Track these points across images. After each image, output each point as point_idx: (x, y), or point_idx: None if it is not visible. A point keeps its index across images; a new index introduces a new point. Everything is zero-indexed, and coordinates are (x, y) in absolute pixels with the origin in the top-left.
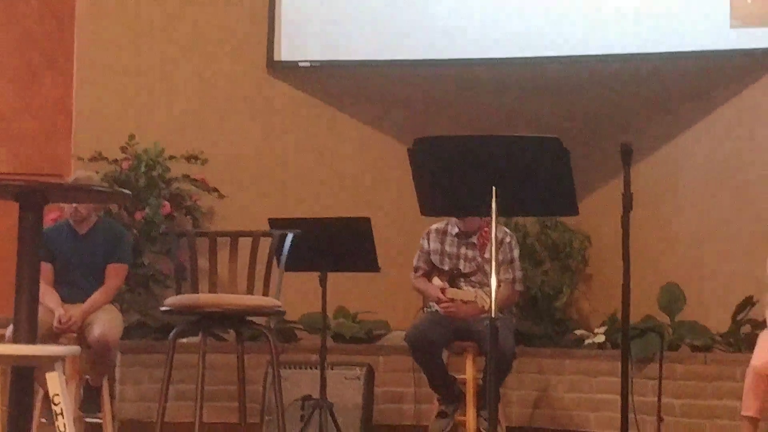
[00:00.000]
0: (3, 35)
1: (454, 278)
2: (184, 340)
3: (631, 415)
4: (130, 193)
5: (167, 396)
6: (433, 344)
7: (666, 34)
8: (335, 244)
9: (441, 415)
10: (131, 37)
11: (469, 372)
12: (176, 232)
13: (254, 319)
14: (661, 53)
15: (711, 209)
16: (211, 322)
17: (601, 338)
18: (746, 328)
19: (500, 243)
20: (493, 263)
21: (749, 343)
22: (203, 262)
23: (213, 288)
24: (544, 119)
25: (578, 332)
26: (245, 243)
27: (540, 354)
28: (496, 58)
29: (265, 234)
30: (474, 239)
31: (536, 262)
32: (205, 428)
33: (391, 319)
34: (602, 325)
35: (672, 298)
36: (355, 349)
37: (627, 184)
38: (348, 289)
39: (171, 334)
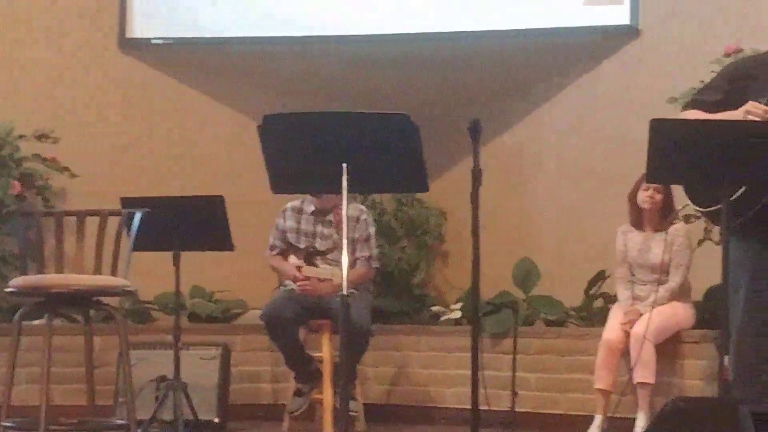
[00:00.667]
0: None
1: (310, 256)
2: (37, 321)
3: (483, 390)
4: None
5: (13, 379)
6: (289, 322)
7: (519, 11)
8: (188, 223)
9: (297, 393)
10: None
11: (325, 350)
12: (22, 211)
13: (106, 299)
14: (514, 30)
15: (564, 185)
16: (57, 303)
17: (457, 314)
18: (599, 302)
19: (356, 221)
20: (345, 240)
21: (602, 317)
22: (52, 243)
23: (60, 269)
24: (398, 96)
25: (435, 309)
26: (95, 222)
27: (397, 331)
28: (348, 35)
29: (113, 213)
30: (330, 217)
31: (393, 239)
32: (56, 411)
33: (248, 298)
34: (458, 301)
35: (526, 273)
36: (211, 328)
37: (476, 160)
38: (205, 268)
39: (15, 315)
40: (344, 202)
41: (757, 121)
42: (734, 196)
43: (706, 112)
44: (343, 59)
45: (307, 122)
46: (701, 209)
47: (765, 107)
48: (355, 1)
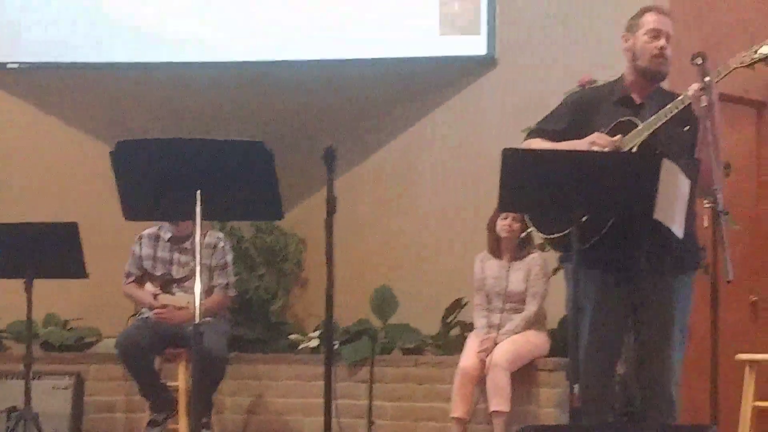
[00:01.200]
0: None
1: (166, 284)
2: None
3: (336, 420)
4: None
5: None
6: (145, 351)
7: (377, 40)
8: (40, 250)
9: (152, 423)
10: None
11: (181, 379)
12: None
13: None
14: (372, 59)
15: (422, 213)
16: None
17: (315, 342)
18: (456, 331)
19: (213, 248)
20: (198, 267)
21: (459, 346)
22: None
23: None
24: (256, 123)
25: (293, 337)
26: None
27: (254, 359)
28: (206, 62)
29: None
30: (187, 244)
31: (251, 267)
32: None
33: (103, 327)
34: (316, 329)
35: (384, 301)
36: (64, 357)
37: (331, 188)
38: (59, 296)
39: None
40: (197, 230)
41: (602, 152)
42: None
43: (550, 140)
44: (201, 85)
45: (160, 149)
46: (545, 236)
47: (610, 138)
48: (212, 28)
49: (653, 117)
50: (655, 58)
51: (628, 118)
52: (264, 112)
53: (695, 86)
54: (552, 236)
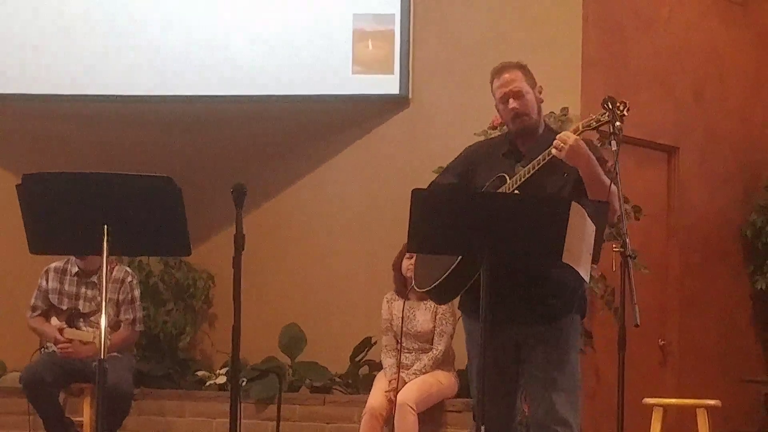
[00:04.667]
0: None
1: (73, 318)
2: None
3: None
4: None
5: None
6: (49, 385)
7: (291, 77)
8: None
9: None
10: None
11: (86, 414)
12: None
13: None
14: (284, 95)
15: (332, 251)
16: None
17: (222, 379)
18: (365, 369)
19: (121, 282)
20: (104, 303)
21: (367, 385)
22: None
23: None
24: (165, 158)
25: (200, 373)
26: None
27: (161, 395)
28: (116, 95)
29: None
30: (95, 278)
31: (159, 302)
32: None
33: (7, 360)
34: (224, 366)
35: (293, 338)
36: None
37: (239, 224)
38: None
39: None
40: (104, 264)
41: (512, 194)
42: (446, 275)
43: None
44: (111, 119)
45: (68, 182)
46: (421, 290)
47: None
48: (123, 62)
49: (523, 170)
50: (513, 120)
51: (502, 173)
52: (173, 147)
53: (559, 137)
54: (427, 288)
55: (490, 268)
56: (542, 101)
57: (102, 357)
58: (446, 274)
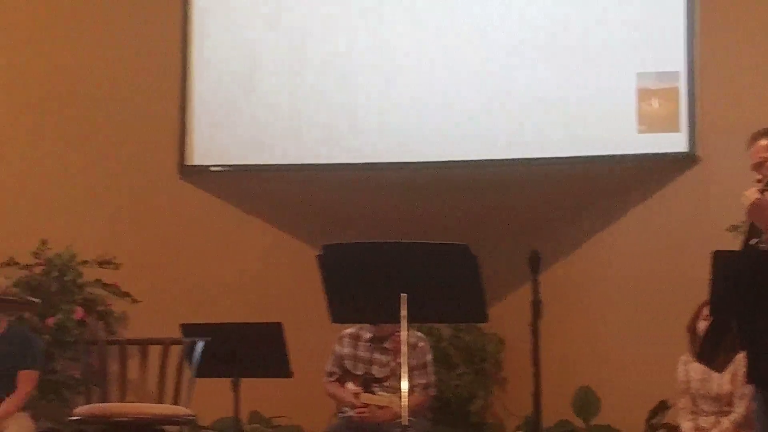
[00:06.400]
0: None
1: (367, 383)
2: None
3: None
4: (39, 301)
5: None
6: None
7: (574, 138)
8: (247, 350)
9: None
10: (39, 140)
11: None
12: (87, 340)
13: (166, 427)
14: (568, 157)
15: (625, 313)
16: (120, 431)
17: None
18: None
19: (413, 348)
20: (404, 369)
21: None
22: (113, 368)
23: (123, 396)
24: (456, 224)
25: None
26: (156, 349)
27: None
28: (405, 162)
29: (175, 342)
30: (387, 344)
31: (450, 366)
32: None
33: (305, 424)
34: (517, 429)
35: (586, 401)
36: None
37: (536, 291)
38: (263, 393)
39: None
40: (403, 333)
41: None
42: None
43: None
44: (402, 187)
45: (366, 252)
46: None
47: None
48: (410, 130)
49: None
50: None
51: None
52: (462, 212)
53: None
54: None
55: None
56: None
57: (405, 423)
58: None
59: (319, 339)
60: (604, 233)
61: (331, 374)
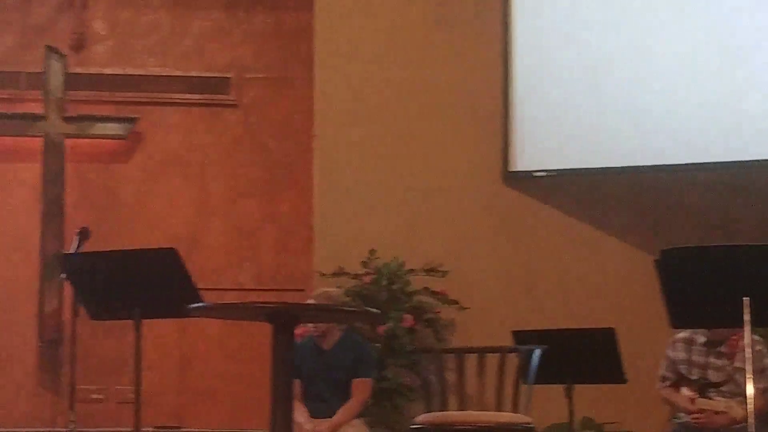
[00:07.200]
0: (244, 150)
1: (703, 388)
2: None
3: None
4: (379, 312)
5: None
6: None
7: None
8: (580, 356)
9: None
10: (368, 151)
11: None
12: (423, 348)
13: None
14: None
15: None
16: None
17: None
18: None
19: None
20: (749, 374)
21: None
22: (449, 376)
23: (462, 405)
24: None
25: None
26: (490, 356)
27: None
28: (741, 161)
29: (512, 350)
30: (723, 348)
31: None
32: None
33: (638, 430)
34: None
35: None
36: None
37: None
38: (594, 399)
39: None
40: (746, 337)
41: None
42: None
43: None
44: (733, 187)
45: (708, 256)
46: None
47: None
48: (738, 126)
49: None
50: None
51: None
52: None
53: None
54: None
55: None
56: None
57: (751, 430)
58: None
59: (652, 344)
60: None
61: (664, 379)
